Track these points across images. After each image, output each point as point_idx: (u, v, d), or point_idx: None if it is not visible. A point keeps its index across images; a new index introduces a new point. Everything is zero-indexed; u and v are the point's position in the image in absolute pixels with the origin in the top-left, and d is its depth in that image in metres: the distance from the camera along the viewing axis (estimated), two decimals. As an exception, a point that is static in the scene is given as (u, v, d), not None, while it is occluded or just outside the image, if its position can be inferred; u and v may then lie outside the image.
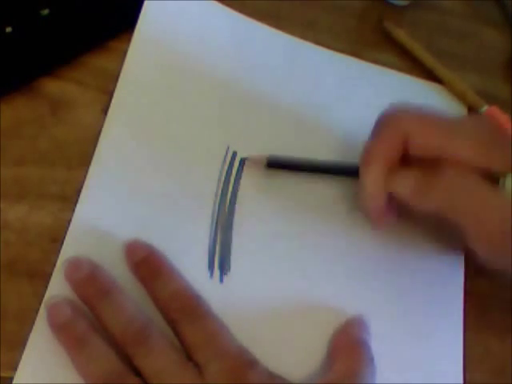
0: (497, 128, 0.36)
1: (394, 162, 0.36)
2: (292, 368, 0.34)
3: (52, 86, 0.38)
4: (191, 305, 0.33)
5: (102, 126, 0.37)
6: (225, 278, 0.36)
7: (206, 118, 0.40)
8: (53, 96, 0.38)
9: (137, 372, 0.31)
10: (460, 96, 0.47)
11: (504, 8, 0.53)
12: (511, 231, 0.33)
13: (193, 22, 0.43)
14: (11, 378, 0.30)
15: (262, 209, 0.38)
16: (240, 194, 0.38)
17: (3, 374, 0.31)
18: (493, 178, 0.35)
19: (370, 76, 0.46)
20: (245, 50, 0.43)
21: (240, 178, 0.39)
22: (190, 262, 0.35)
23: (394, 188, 0.36)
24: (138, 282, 0.34)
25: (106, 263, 0.33)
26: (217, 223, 0.37)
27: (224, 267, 0.36)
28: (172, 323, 0.33)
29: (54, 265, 0.33)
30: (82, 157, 0.36)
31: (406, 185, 0.36)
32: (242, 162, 0.39)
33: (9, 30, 0.38)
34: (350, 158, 0.41)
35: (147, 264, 0.34)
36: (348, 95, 0.44)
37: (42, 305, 0.32)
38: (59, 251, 0.33)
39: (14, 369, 0.31)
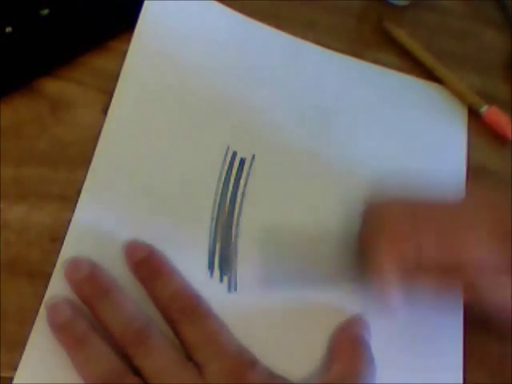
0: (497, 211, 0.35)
1: (408, 265, 0.34)
2: (292, 368, 0.34)
3: (52, 86, 0.38)
4: (191, 305, 0.33)
5: (101, 126, 0.37)
6: (224, 278, 0.36)
7: (205, 117, 0.40)
8: (53, 96, 0.38)
9: (136, 372, 0.31)
10: (460, 96, 0.47)
11: (504, 8, 0.53)
12: None
13: (193, 22, 0.43)
14: (11, 378, 0.30)
15: (267, 209, 0.38)
16: (245, 193, 0.38)
17: (3, 374, 0.31)
18: None
19: (370, 76, 0.46)
20: (245, 50, 0.43)
21: (240, 177, 0.39)
22: (189, 262, 0.35)
23: (415, 287, 0.34)
24: (138, 282, 0.34)
25: (106, 263, 0.33)
26: (217, 223, 0.37)
27: (224, 267, 0.36)
28: (172, 323, 0.33)
29: (54, 265, 0.33)
30: (82, 157, 0.36)
31: (428, 284, 0.34)
32: (242, 161, 0.39)
33: (9, 30, 0.38)
34: (353, 155, 0.41)
35: (147, 264, 0.34)
36: (348, 95, 0.44)
37: (42, 305, 0.32)
38: (59, 251, 0.33)
39: (14, 369, 0.31)
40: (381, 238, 0.35)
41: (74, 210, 0.35)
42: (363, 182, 0.40)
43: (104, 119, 0.38)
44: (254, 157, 0.39)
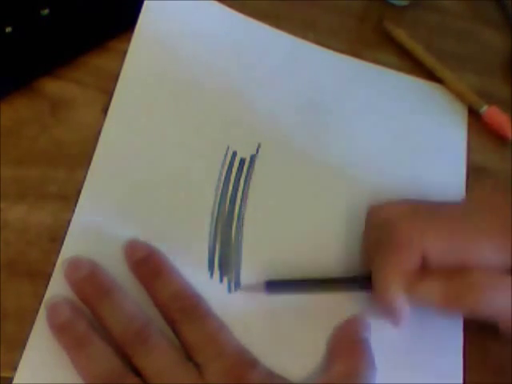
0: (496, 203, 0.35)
1: (411, 274, 0.34)
2: (292, 368, 0.34)
3: (52, 86, 0.38)
4: (191, 305, 0.33)
5: (101, 126, 0.37)
6: (224, 279, 0.36)
7: (205, 117, 0.40)
8: (53, 96, 0.38)
9: (136, 372, 0.31)
10: (460, 96, 0.47)
11: (504, 8, 0.53)
12: None
13: (193, 21, 0.43)
14: (11, 378, 0.30)
15: (268, 209, 0.38)
16: (245, 193, 0.38)
17: (3, 374, 0.31)
18: None
19: (370, 76, 0.46)
20: (245, 50, 0.43)
21: (240, 177, 0.39)
22: (190, 262, 0.35)
23: (419, 299, 0.34)
24: (138, 281, 0.34)
25: (106, 263, 0.33)
26: (217, 223, 0.37)
27: (224, 267, 0.36)
28: (172, 323, 0.33)
29: (54, 265, 0.33)
30: (82, 157, 0.36)
31: (432, 294, 0.34)
32: (242, 161, 0.39)
33: (9, 30, 0.38)
34: (353, 155, 0.41)
35: (147, 264, 0.34)
36: (348, 95, 0.44)
37: (42, 305, 0.32)
38: (59, 251, 0.33)
39: (14, 369, 0.31)
40: (384, 248, 0.34)
41: (73, 210, 0.35)
42: (363, 181, 0.41)
43: (104, 119, 0.38)
44: (253, 157, 0.39)
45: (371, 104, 0.44)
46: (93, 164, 0.36)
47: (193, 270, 0.35)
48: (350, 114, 0.43)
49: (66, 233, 0.34)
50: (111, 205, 0.36)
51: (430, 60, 0.47)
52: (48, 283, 0.33)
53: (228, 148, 0.39)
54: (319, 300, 0.36)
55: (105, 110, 0.38)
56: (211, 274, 0.35)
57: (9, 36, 0.38)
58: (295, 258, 0.37)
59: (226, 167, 0.39)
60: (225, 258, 0.36)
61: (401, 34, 0.48)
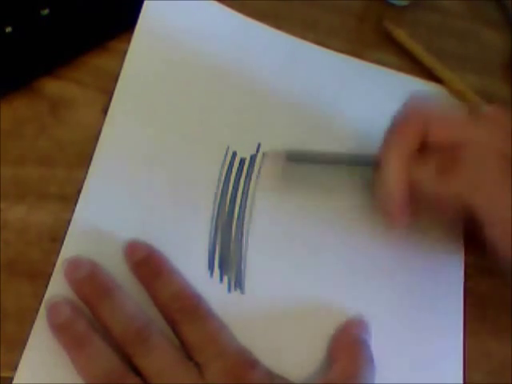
0: None
1: (414, 149, 0.36)
2: (292, 368, 0.34)
3: (52, 86, 0.38)
4: (191, 305, 0.33)
5: (101, 125, 0.37)
6: (224, 278, 0.36)
7: (205, 117, 0.40)
8: (53, 96, 0.38)
9: (137, 372, 0.31)
10: (460, 96, 0.47)
11: (504, 8, 0.53)
12: None
13: (193, 22, 0.43)
14: (11, 378, 0.30)
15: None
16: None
17: (3, 374, 0.31)
18: None
19: (370, 76, 0.46)
20: (245, 50, 0.43)
21: (240, 177, 0.39)
22: (189, 262, 0.35)
23: (415, 174, 0.35)
24: (138, 282, 0.34)
25: (106, 263, 0.33)
26: (217, 223, 0.37)
27: (224, 267, 0.36)
28: (172, 323, 0.33)
29: (54, 265, 0.33)
30: (82, 157, 0.36)
31: (427, 170, 0.35)
32: (242, 161, 0.39)
33: (9, 30, 0.38)
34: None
35: (147, 264, 0.34)
36: (348, 95, 0.44)
37: (42, 305, 0.32)
38: (59, 251, 0.33)
39: (14, 369, 0.31)
40: (395, 120, 0.37)
41: (73, 210, 0.35)
42: (363, 181, 0.41)
43: (104, 119, 0.38)
44: (253, 157, 0.39)
45: (371, 104, 0.44)
46: (93, 164, 0.36)
47: (193, 269, 0.35)
48: (350, 114, 0.43)
49: (66, 233, 0.34)
50: (111, 205, 0.36)
51: (430, 60, 0.47)
52: (48, 283, 0.33)
53: (228, 148, 0.39)
54: (319, 299, 0.36)
55: (105, 110, 0.38)
56: (211, 274, 0.35)
57: (9, 36, 0.38)
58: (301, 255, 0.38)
59: (225, 167, 0.39)
60: (225, 257, 0.36)
61: (401, 34, 0.48)
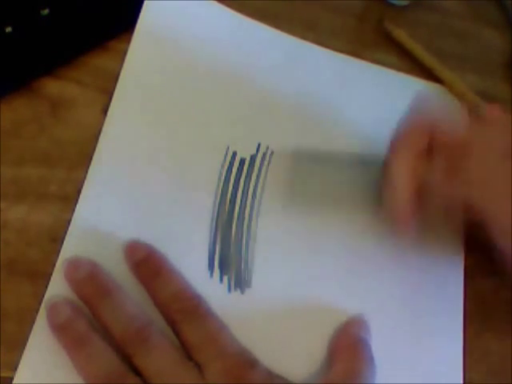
0: None
1: (421, 152, 0.36)
2: (292, 368, 0.34)
3: (52, 86, 0.38)
4: (192, 305, 0.33)
5: (101, 125, 0.37)
6: (224, 278, 0.36)
7: (205, 117, 0.40)
8: (53, 96, 0.38)
9: (137, 372, 0.31)
10: (460, 96, 0.47)
11: (504, 8, 0.53)
12: None
13: (193, 21, 0.43)
14: (11, 378, 0.30)
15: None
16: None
17: (3, 374, 0.31)
18: None
19: (370, 76, 0.46)
20: (245, 50, 0.43)
21: (240, 177, 0.39)
22: (189, 262, 0.35)
23: (423, 174, 0.35)
24: (138, 282, 0.34)
25: (106, 263, 0.33)
26: (217, 223, 0.37)
27: (224, 267, 0.36)
28: (172, 323, 0.33)
29: (54, 265, 0.33)
30: (82, 157, 0.36)
31: (434, 172, 0.35)
32: (242, 161, 0.39)
33: (9, 30, 0.38)
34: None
35: (147, 264, 0.34)
36: (348, 95, 0.44)
37: (42, 305, 0.32)
38: (59, 251, 0.33)
39: (14, 369, 0.31)
40: (397, 136, 0.37)
41: (73, 210, 0.35)
42: (363, 180, 0.41)
43: (104, 119, 0.38)
44: (253, 157, 0.39)
45: (371, 104, 0.44)
46: (93, 164, 0.36)
47: (193, 269, 0.35)
48: (350, 113, 0.43)
49: (66, 233, 0.34)
50: (111, 205, 0.36)
51: (430, 60, 0.47)
52: (48, 283, 0.33)
53: (228, 148, 0.39)
54: (319, 299, 0.36)
55: (105, 110, 0.38)
56: (211, 274, 0.35)
57: (9, 36, 0.38)
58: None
59: (225, 167, 0.39)
60: (225, 257, 0.36)
61: (401, 34, 0.48)
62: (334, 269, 0.38)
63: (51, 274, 0.33)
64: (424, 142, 0.36)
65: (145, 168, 0.37)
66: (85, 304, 0.32)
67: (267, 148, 0.40)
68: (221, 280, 0.35)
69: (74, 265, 0.33)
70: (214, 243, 0.36)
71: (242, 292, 0.36)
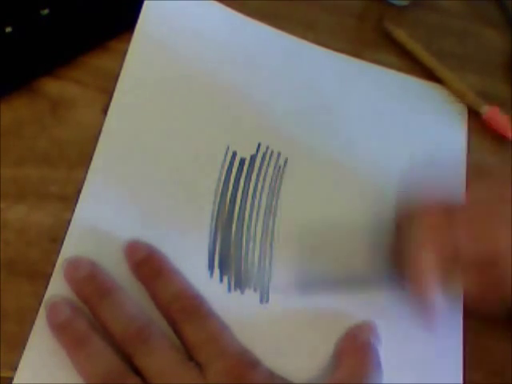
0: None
1: (445, 262, 0.34)
2: (292, 368, 0.34)
3: (52, 86, 0.38)
4: (193, 305, 0.33)
5: (101, 125, 0.37)
6: (224, 278, 0.36)
7: (205, 117, 0.40)
8: (53, 96, 0.38)
9: (137, 372, 0.31)
10: (460, 96, 0.47)
11: (504, 8, 0.53)
12: None
13: (192, 21, 0.43)
14: (11, 378, 0.30)
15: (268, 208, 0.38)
16: (245, 193, 0.38)
17: (3, 374, 0.31)
18: None
19: (370, 76, 0.46)
20: (244, 50, 0.43)
21: (240, 177, 0.39)
22: (189, 262, 0.35)
23: (454, 287, 0.34)
24: (138, 282, 0.34)
25: (106, 263, 0.33)
26: (217, 223, 0.37)
27: (224, 267, 0.36)
28: (173, 323, 0.33)
29: (54, 265, 0.33)
30: (82, 157, 0.36)
31: (468, 282, 0.34)
32: (242, 161, 0.39)
33: (9, 30, 0.38)
34: (353, 155, 0.41)
35: (148, 264, 0.34)
36: (348, 95, 0.44)
37: (42, 305, 0.32)
38: (59, 251, 0.33)
39: (14, 369, 0.31)
40: (417, 229, 0.34)
41: (74, 210, 0.35)
42: (363, 180, 0.41)
43: (104, 119, 0.38)
44: (253, 157, 0.39)
45: (371, 104, 0.44)
46: (93, 164, 0.36)
47: (193, 269, 0.35)
48: (350, 113, 0.43)
49: (66, 233, 0.34)
50: (111, 205, 0.36)
51: (429, 60, 0.47)
52: (48, 283, 0.33)
53: (228, 148, 0.39)
54: (323, 302, 0.36)
55: (105, 110, 0.38)
56: (211, 274, 0.35)
57: (9, 36, 0.38)
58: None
59: (225, 167, 0.39)
60: (225, 257, 0.36)
61: (401, 34, 0.48)
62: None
63: (51, 274, 0.33)
64: (445, 264, 0.34)
65: (145, 168, 0.37)
66: (84, 304, 0.32)
67: (267, 148, 0.40)
68: (221, 280, 0.35)
69: (74, 265, 0.33)
70: (213, 243, 0.36)
71: (242, 292, 0.36)
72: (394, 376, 0.35)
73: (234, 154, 0.39)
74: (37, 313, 0.32)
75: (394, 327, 0.37)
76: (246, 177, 0.39)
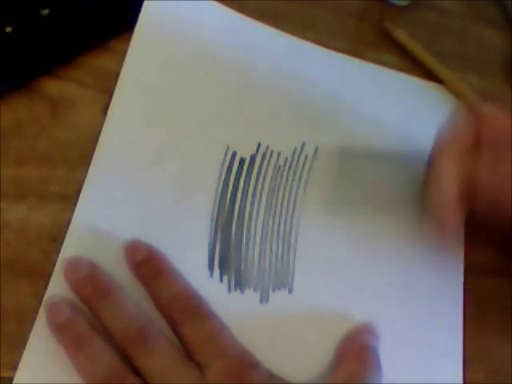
0: None
1: (468, 147, 0.35)
2: (292, 369, 0.34)
3: (52, 86, 0.38)
4: (192, 305, 0.33)
5: (101, 125, 0.37)
6: (224, 278, 0.36)
7: (205, 117, 0.40)
8: (53, 96, 0.38)
9: (137, 372, 0.31)
10: (460, 96, 0.47)
11: (504, 8, 0.53)
12: None
13: (192, 21, 0.43)
14: (11, 378, 0.30)
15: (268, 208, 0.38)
16: (245, 193, 0.38)
17: (3, 374, 0.31)
18: None
19: (370, 76, 0.46)
20: (244, 50, 0.43)
21: (240, 177, 0.39)
22: (190, 262, 0.35)
23: (469, 172, 0.35)
24: (138, 282, 0.34)
25: (106, 263, 0.33)
26: (217, 223, 0.37)
27: (224, 267, 0.36)
28: (173, 323, 0.33)
29: (54, 265, 0.33)
30: (82, 157, 0.36)
31: (481, 166, 0.35)
32: (242, 161, 0.39)
33: (9, 30, 0.38)
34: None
35: (148, 264, 0.34)
36: (348, 95, 0.44)
37: (42, 305, 0.32)
38: (59, 251, 0.33)
39: (14, 369, 0.31)
40: (443, 160, 0.36)
41: (74, 210, 0.35)
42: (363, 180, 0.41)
43: (104, 119, 0.38)
44: (253, 157, 0.39)
45: (371, 104, 0.44)
46: (93, 164, 0.36)
47: (193, 269, 0.35)
48: (350, 113, 0.43)
49: (66, 233, 0.34)
50: (111, 205, 0.36)
51: (430, 60, 0.47)
52: (48, 283, 0.33)
53: (228, 148, 0.39)
54: (324, 303, 0.36)
55: (105, 110, 0.38)
56: (211, 274, 0.35)
57: (9, 36, 0.38)
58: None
59: (225, 167, 0.39)
60: (225, 257, 0.36)
61: (401, 34, 0.48)
62: (337, 273, 0.38)
63: (51, 274, 0.33)
64: (470, 138, 0.35)
65: (145, 168, 0.37)
66: (84, 304, 0.32)
67: (267, 148, 0.40)
68: (221, 280, 0.35)
69: (74, 265, 0.33)
70: (213, 243, 0.36)
71: (242, 292, 0.36)
72: (394, 376, 0.35)
73: (234, 154, 0.39)
74: (37, 313, 0.32)
75: (393, 327, 0.37)
76: (245, 176, 0.39)
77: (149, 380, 0.30)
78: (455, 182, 0.35)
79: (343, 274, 0.38)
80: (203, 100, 0.40)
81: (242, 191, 0.38)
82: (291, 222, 0.38)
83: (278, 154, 0.40)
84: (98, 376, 0.30)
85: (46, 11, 0.39)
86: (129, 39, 0.40)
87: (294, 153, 0.40)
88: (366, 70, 0.46)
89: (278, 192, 0.39)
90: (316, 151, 0.41)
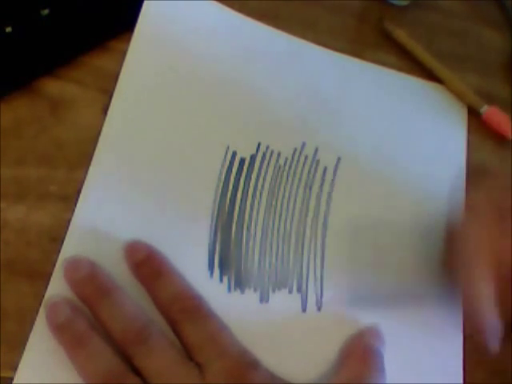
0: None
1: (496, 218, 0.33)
2: (292, 369, 0.34)
3: (52, 86, 0.38)
4: (192, 305, 0.33)
5: (101, 125, 0.37)
6: (224, 278, 0.36)
7: (205, 117, 0.40)
8: (53, 96, 0.38)
9: (137, 372, 0.31)
10: (460, 96, 0.47)
11: (504, 8, 0.53)
12: None
13: (192, 21, 0.43)
14: (11, 378, 0.30)
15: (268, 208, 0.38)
16: (245, 193, 0.38)
17: (3, 374, 0.31)
18: None
19: (370, 76, 0.46)
20: (244, 50, 0.43)
21: (240, 177, 0.39)
22: (189, 262, 0.35)
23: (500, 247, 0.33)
24: (138, 282, 0.34)
25: (106, 263, 0.33)
26: (217, 223, 0.37)
27: (224, 267, 0.36)
28: (173, 324, 0.33)
29: (54, 265, 0.33)
30: (82, 157, 0.36)
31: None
32: (242, 161, 0.39)
33: (9, 30, 0.38)
34: (353, 154, 0.41)
35: (148, 264, 0.34)
36: (348, 95, 0.44)
37: (42, 305, 0.32)
38: (59, 251, 0.33)
39: (14, 369, 0.31)
40: (469, 241, 0.33)
41: (73, 210, 0.35)
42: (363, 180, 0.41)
43: (104, 119, 0.38)
44: (253, 157, 0.39)
45: (371, 104, 0.44)
46: (93, 164, 0.36)
47: (193, 269, 0.35)
48: (350, 113, 0.43)
49: (66, 233, 0.34)
50: (111, 205, 0.36)
51: (430, 60, 0.47)
52: (48, 283, 0.33)
53: (228, 148, 0.39)
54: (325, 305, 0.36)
55: (105, 110, 0.38)
56: (211, 274, 0.35)
57: (9, 36, 0.38)
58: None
59: (225, 167, 0.39)
60: (225, 257, 0.36)
61: (401, 34, 0.48)
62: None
63: (51, 274, 0.33)
64: (496, 215, 0.33)
65: (145, 168, 0.37)
66: (84, 304, 0.32)
67: (267, 148, 0.40)
68: (221, 280, 0.35)
69: (74, 265, 0.33)
70: (213, 243, 0.36)
71: (242, 292, 0.36)
72: (394, 376, 0.35)
73: (234, 154, 0.39)
74: (37, 313, 0.32)
75: (393, 327, 0.37)
76: (245, 176, 0.39)
77: (149, 380, 0.30)
78: (493, 313, 0.32)
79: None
80: (203, 100, 0.40)
81: (242, 191, 0.38)
82: (291, 222, 0.38)
83: (278, 154, 0.40)
84: (98, 376, 0.30)
85: (46, 11, 0.39)
86: (129, 39, 0.40)
87: (294, 153, 0.40)
88: (366, 70, 0.46)
89: (278, 192, 0.39)
90: (316, 151, 0.41)
